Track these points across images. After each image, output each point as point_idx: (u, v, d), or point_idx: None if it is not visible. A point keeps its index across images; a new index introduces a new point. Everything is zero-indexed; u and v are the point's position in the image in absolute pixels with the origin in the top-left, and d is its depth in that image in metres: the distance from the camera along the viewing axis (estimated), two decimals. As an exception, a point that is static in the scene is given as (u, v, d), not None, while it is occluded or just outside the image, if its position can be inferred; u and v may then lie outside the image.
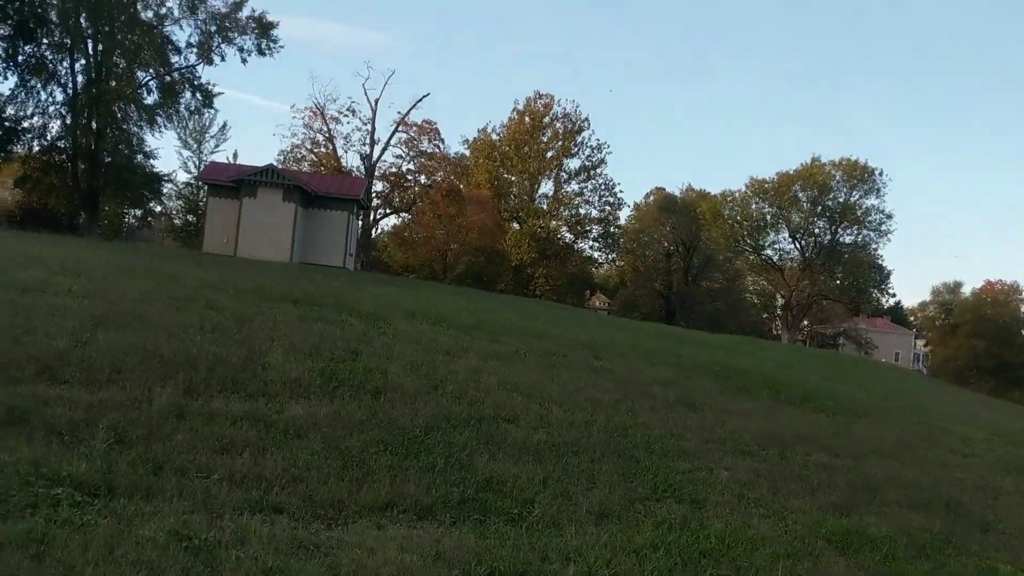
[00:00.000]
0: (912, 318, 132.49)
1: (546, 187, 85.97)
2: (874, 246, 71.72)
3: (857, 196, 69.17)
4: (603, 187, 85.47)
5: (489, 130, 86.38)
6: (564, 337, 15.16)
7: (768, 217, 71.60)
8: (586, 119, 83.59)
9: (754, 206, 71.54)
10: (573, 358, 12.95)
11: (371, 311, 13.09)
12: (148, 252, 24.42)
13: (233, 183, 36.39)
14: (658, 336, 23.75)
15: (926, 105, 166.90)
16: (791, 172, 69.44)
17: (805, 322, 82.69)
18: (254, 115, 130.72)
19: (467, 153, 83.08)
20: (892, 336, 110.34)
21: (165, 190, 55.36)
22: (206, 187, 40.18)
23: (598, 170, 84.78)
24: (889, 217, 70.26)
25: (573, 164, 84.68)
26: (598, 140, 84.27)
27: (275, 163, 52.76)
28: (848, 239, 71.95)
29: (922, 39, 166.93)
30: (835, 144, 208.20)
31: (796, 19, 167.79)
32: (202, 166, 61.41)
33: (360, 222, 51.76)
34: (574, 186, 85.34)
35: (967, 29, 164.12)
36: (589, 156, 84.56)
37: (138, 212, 62.13)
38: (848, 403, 15.75)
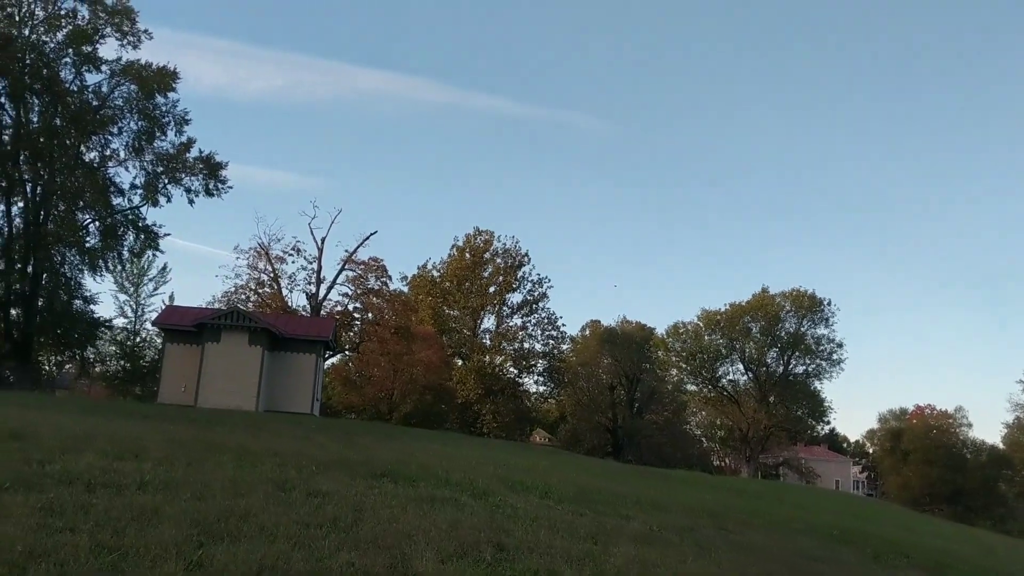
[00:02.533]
0: (845, 444, 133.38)
1: (488, 322, 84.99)
2: (826, 376, 71.90)
3: (807, 326, 69.90)
4: (546, 321, 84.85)
5: (429, 266, 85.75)
6: (670, 503, 13.37)
7: (722, 349, 71.50)
8: (526, 254, 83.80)
9: (707, 338, 71.45)
10: (706, 532, 11.10)
11: (466, 482, 11.08)
12: (154, 412, 21.43)
13: (194, 327, 33.76)
14: (728, 491, 21.99)
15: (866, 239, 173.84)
16: (742, 304, 70.00)
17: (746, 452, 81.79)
18: (190, 259, 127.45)
19: (405, 290, 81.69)
20: (831, 464, 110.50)
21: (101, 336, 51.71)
22: (163, 333, 37.24)
23: (540, 304, 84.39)
24: (840, 346, 70.98)
25: (515, 299, 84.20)
26: (539, 275, 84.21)
27: (218, 304, 50.25)
28: (800, 368, 72.12)
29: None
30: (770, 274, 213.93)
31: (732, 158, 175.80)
32: (139, 310, 58.24)
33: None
34: (517, 320, 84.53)
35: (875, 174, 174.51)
36: (531, 290, 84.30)
37: (60, 359, 58.05)
38: (973, 567, 14.19)
